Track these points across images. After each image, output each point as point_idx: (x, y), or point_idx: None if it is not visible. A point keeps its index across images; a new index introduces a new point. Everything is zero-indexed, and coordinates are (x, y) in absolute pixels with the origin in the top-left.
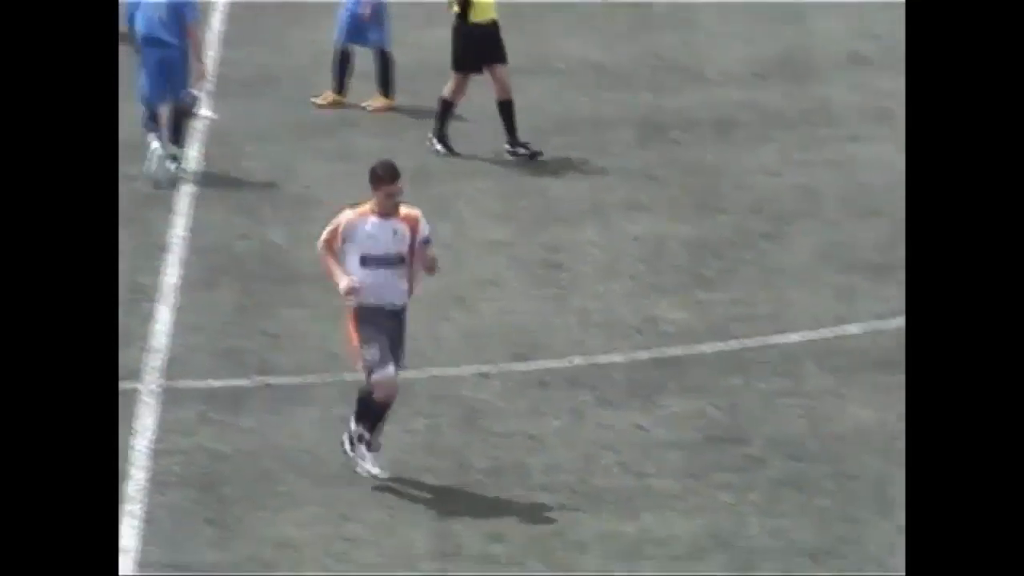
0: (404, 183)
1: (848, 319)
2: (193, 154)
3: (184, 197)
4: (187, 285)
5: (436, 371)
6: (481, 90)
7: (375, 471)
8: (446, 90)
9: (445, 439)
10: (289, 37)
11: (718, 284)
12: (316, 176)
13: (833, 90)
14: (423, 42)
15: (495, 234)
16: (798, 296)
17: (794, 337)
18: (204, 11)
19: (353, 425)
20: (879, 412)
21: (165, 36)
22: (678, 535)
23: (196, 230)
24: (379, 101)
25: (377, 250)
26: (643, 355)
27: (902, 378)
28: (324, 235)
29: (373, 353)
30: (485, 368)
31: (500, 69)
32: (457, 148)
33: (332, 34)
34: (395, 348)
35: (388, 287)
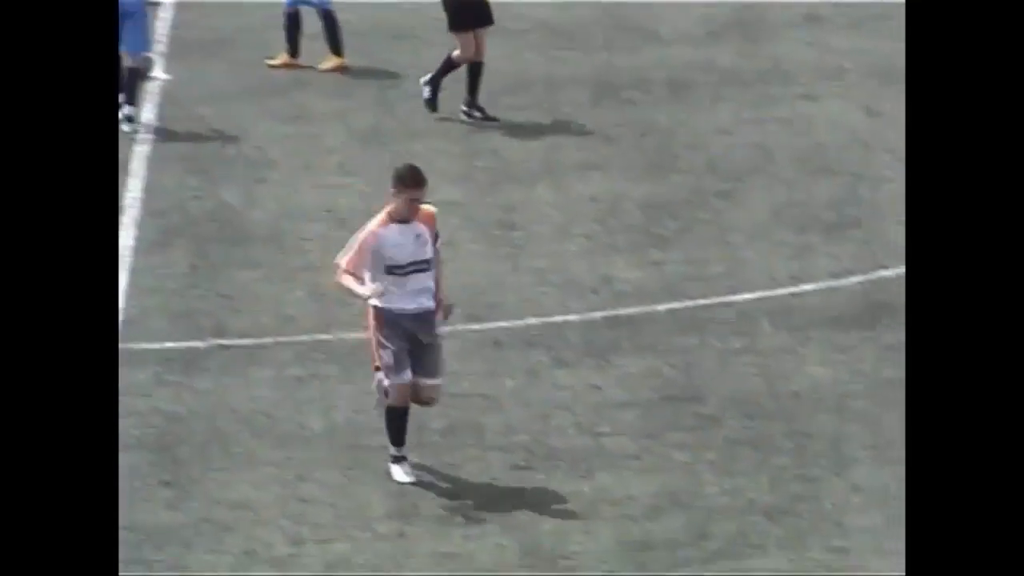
0: (356, 144)
1: (803, 277)
2: (147, 115)
3: (138, 158)
4: (141, 247)
5: None
6: (435, 53)
7: (405, 479)
8: (459, 55)
9: None
10: None
11: (673, 243)
12: (270, 137)
13: (787, 48)
14: (376, 3)
15: (449, 195)
16: (753, 255)
17: (749, 296)
18: None
19: (392, 450)
20: (834, 370)
21: None
22: (634, 495)
23: (150, 191)
24: (331, 61)
25: (404, 257)
26: (598, 315)
27: (857, 335)
28: (344, 263)
29: (388, 358)
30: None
31: (483, 32)
32: (409, 110)
33: None
34: (423, 354)
35: (417, 292)
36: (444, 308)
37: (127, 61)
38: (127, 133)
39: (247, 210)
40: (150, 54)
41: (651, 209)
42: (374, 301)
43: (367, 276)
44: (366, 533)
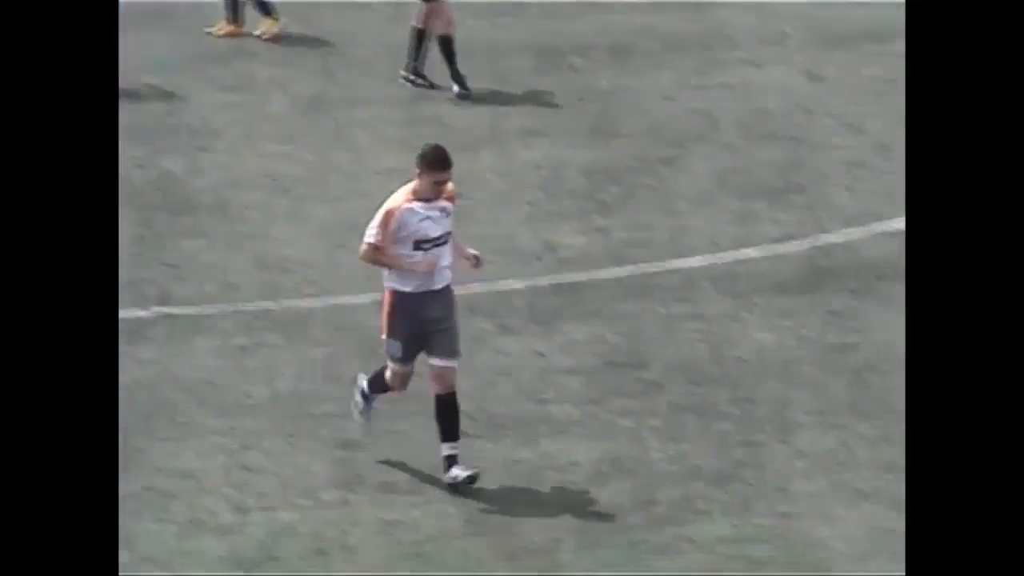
0: (299, 112)
1: (746, 243)
2: None
3: None
4: None
5: (334, 300)
6: (377, 19)
7: (361, 420)
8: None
9: (344, 367)
10: None
11: (616, 209)
12: (213, 106)
13: (730, 14)
14: None
15: (392, 161)
16: (696, 220)
17: (693, 262)
18: None
19: (364, 382)
20: (778, 335)
21: None
22: (579, 461)
23: None
24: (265, 25)
25: (433, 232)
26: (542, 281)
27: (801, 301)
28: (373, 240)
29: (396, 348)
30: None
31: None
32: (351, 76)
33: None
34: (437, 333)
35: (441, 267)
36: (474, 259)
37: None
38: None
39: (191, 179)
40: None
41: (595, 175)
42: (408, 271)
43: (394, 251)
44: (310, 501)
